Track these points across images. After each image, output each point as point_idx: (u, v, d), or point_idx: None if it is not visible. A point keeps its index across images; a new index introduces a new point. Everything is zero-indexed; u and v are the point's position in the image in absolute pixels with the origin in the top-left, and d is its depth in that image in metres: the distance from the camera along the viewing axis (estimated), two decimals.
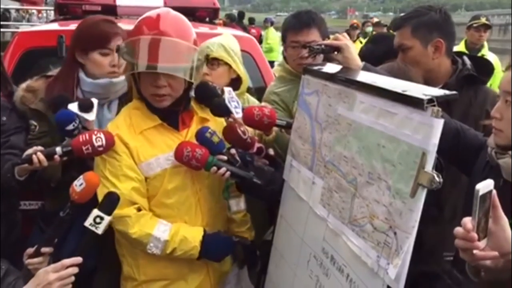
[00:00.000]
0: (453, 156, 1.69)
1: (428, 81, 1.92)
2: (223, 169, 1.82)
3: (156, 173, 1.83)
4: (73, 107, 1.86)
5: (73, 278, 1.60)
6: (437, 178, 1.16)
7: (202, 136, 1.84)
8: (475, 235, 1.11)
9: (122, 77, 2.05)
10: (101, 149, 1.76)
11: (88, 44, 2.03)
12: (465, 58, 2.09)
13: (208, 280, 1.97)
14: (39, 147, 1.81)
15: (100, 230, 1.66)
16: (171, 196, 1.86)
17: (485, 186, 1.11)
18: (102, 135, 1.76)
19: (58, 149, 1.79)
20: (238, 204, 2.07)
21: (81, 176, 1.69)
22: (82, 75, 2.06)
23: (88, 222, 1.65)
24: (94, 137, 1.75)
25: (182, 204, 1.88)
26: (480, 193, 1.09)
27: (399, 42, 2.10)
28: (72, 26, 2.82)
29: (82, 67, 2.06)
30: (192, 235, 1.84)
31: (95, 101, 1.92)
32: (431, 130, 1.18)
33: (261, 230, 2.28)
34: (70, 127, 1.82)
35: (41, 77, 2.12)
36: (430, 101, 1.20)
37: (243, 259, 2.13)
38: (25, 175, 1.84)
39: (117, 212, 1.71)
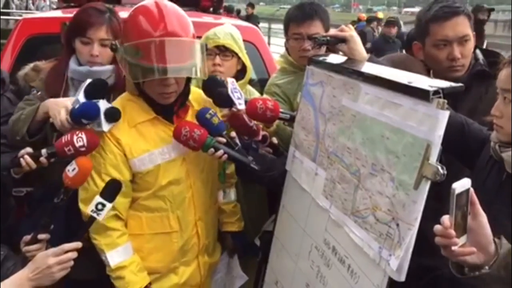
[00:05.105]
0: (457, 150, 1.68)
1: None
2: (220, 152, 1.80)
3: (148, 169, 1.80)
4: (102, 106, 1.76)
5: (72, 263, 1.62)
6: (441, 170, 1.16)
7: (202, 117, 1.83)
8: (453, 232, 1.15)
9: (105, 67, 2.00)
10: (83, 149, 1.71)
11: (72, 31, 2.03)
12: (478, 52, 2.02)
13: (198, 272, 1.98)
14: (28, 149, 1.78)
15: (101, 216, 1.68)
16: (165, 190, 1.83)
17: (462, 185, 1.14)
18: (83, 135, 1.71)
19: (44, 151, 1.75)
20: (229, 195, 2.07)
21: (73, 161, 1.68)
22: (71, 61, 2.04)
23: (90, 209, 1.66)
24: (75, 137, 1.70)
25: (175, 198, 1.85)
26: (457, 192, 1.13)
27: (462, 32, 1.89)
28: None
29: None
30: (130, 281, 1.80)
31: None
32: (436, 122, 1.17)
33: (261, 221, 2.29)
34: (84, 121, 1.76)
35: (53, 60, 2.13)
36: (436, 92, 1.19)
37: (233, 248, 2.15)
38: (21, 173, 1.82)
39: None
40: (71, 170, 1.68)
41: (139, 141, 1.79)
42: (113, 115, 1.77)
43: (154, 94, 1.77)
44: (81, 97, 1.78)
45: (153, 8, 1.71)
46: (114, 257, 1.80)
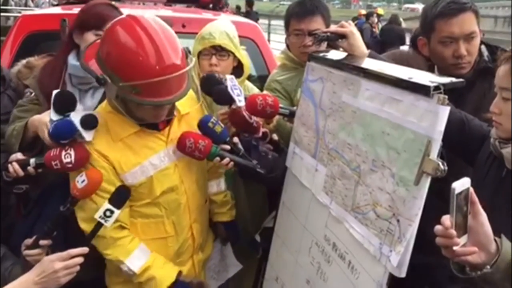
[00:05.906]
0: (457, 146, 1.68)
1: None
2: (226, 160, 1.81)
3: (141, 181, 1.76)
4: (75, 117, 1.67)
5: (78, 267, 1.61)
6: (441, 166, 1.16)
7: (204, 126, 1.82)
8: (453, 232, 1.14)
9: None
10: (69, 165, 1.66)
11: (85, 24, 2.00)
12: (483, 48, 1.98)
13: (193, 269, 1.98)
14: (18, 155, 1.76)
15: (109, 223, 1.67)
16: (159, 198, 1.81)
17: (461, 184, 1.14)
18: (72, 152, 1.66)
19: (32, 161, 1.73)
20: (219, 185, 2.07)
21: (83, 173, 1.66)
22: (70, 57, 2.00)
23: (98, 215, 1.66)
24: (63, 153, 1.66)
25: (170, 205, 1.83)
26: (457, 191, 1.12)
27: (469, 29, 1.86)
28: (75, 10, 2.81)
29: (77, 48, 2.02)
30: (162, 277, 1.79)
31: None
32: (437, 118, 1.17)
33: (261, 217, 2.29)
34: (64, 141, 1.69)
35: (46, 55, 2.10)
36: (437, 88, 1.19)
37: (225, 237, 2.14)
38: (11, 178, 1.79)
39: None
40: (80, 181, 1.64)
41: (128, 155, 1.74)
42: (91, 123, 1.69)
43: (147, 117, 1.72)
44: (53, 115, 1.70)
45: (142, 36, 1.56)
46: (134, 262, 1.76)
